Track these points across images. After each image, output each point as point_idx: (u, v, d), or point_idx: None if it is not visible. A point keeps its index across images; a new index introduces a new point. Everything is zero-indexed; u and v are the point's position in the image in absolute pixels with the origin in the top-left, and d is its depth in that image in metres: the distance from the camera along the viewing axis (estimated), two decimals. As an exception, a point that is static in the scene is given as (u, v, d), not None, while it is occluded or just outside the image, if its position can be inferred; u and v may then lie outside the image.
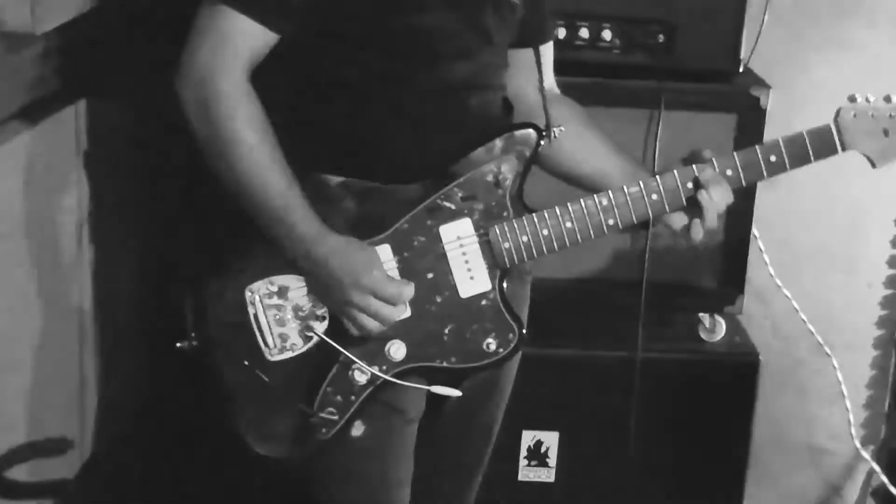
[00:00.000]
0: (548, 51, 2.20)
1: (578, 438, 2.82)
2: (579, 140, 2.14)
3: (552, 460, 2.82)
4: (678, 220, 2.04)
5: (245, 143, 1.89)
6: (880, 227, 3.26)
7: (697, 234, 2.04)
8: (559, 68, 2.44)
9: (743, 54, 2.80)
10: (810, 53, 3.13)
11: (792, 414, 3.31)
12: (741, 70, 2.81)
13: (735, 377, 2.87)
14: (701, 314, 2.90)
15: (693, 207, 2.01)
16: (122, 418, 2.74)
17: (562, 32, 2.69)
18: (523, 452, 2.79)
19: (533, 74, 2.15)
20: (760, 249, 2.97)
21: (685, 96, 2.74)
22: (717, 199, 2.00)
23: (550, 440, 2.80)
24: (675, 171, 2.01)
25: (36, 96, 2.29)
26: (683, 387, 2.84)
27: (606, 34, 2.73)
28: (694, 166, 2.00)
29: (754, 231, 2.85)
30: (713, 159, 2.02)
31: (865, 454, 3.27)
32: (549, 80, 2.21)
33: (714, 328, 2.90)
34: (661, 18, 2.74)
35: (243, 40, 1.92)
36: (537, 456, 2.81)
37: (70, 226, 2.45)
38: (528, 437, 2.78)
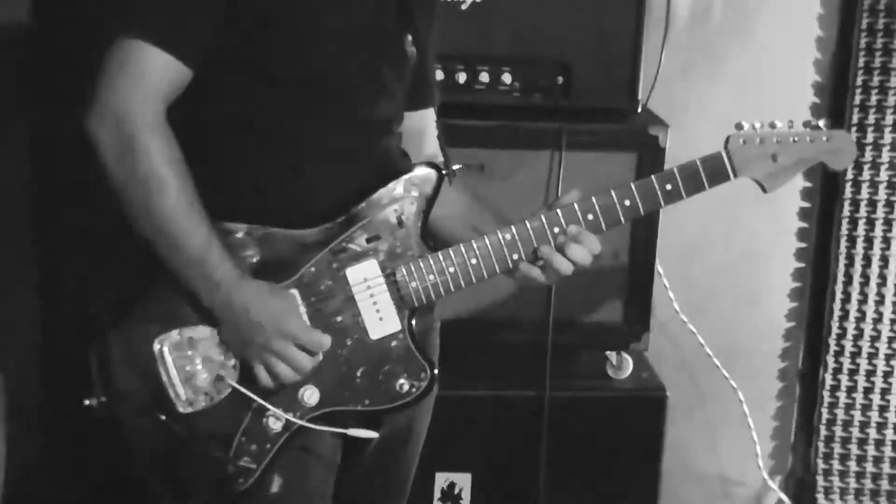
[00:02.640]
0: (431, 118, 2.19)
1: (491, 479, 2.79)
2: (458, 202, 2.13)
3: (465, 501, 2.79)
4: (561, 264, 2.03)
5: (167, 186, 1.84)
6: (781, 260, 3.27)
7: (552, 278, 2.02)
8: (462, 112, 2.44)
9: (641, 94, 2.80)
10: (707, 90, 3.13)
11: (701, 446, 3.32)
12: (639, 110, 2.82)
13: (643, 413, 2.86)
14: (608, 352, 2.88)
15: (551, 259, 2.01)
16: (26, 478, 2.66)
17: (462, 77, 2.69)
18: (437, 494, 2.76)
19: (420, 137, 2.15)
20: (665, 286, 2.99)
21: (585, 136, 2.73)
22: (578, 257, 1.99)
23: (463, 481, 2.76)
24: (576, 204, 1.99)
25: None
26: (592, 424, 2.81)
27: (506, 77, 2.72)
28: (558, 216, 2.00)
29: (658, 268, 2.83)
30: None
31: (773, 484, 3.30)
32: (432, 147, 2.20)
33: (621, 365, 2.87)
34: (558, 60, 2.73)
35: (161, 77, 1.86)
36: (451, 497, 2.78)
37: None
38: (441, 480, 2.74)
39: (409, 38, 2.08)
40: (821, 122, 2.05)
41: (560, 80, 2.74)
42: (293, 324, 1.90)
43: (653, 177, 2.03)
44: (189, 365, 1.90)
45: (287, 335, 1.88)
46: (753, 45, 3.13)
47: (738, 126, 2.03)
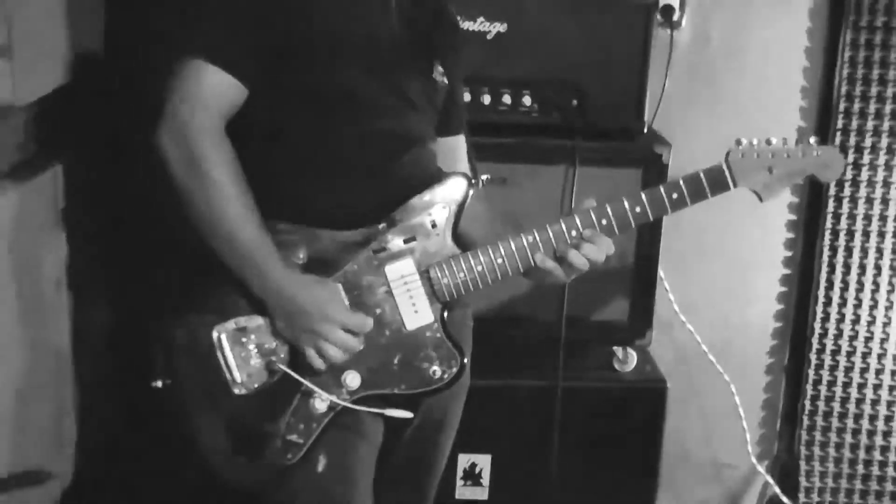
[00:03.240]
0: (461, 144, 2.23)
1: (508, 460, 2.83)
2: (483, 216, 2.15)
3: (485, 480, 2.83)
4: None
5: (225, 195, 1.89)
6: (770, 267, 3.31)
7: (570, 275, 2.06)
8: (487, 130, 2.51)
9: (647, 115, 2.85)
10: (706, 112, 3.17)
11: (696, 434, 3.35)
12: (645, 130, 2.87)
13: (645, 403, 2.90)
14: (615, 347, 2.93)
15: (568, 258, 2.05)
16: (98, 450, 2.72)
17: (487, 98, 2.73)
18: (459, 473, 2.80)
19: (452, 159, 2.19)
20: (666, 289, 3.04)
21: (596, 153, 2.77)
22: (593, 255, 2.02)
23: (483, 462, 2.82)
24: (591, 211, 2.04)
25: (17, 160, 2.27)
26: (600, 412, 2.86)
27: (526, 99, 2.76)
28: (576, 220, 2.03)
29: (660, 273, 2.88)
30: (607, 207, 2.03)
31: (760, 468, 3.33)
32: (464, 168, 2.23)
33: (626, 359, 2.93)
34: (573, 84, 2.77)
35: (222, 94, 1.92)
36: (472, 476, 2.82)
37: (50, 275, 2.43)
38: (463, 460, 2.79)
39: (439, 67, 2.15)
40: (812, 139, 2.09)
41: (574, 102, 2.79)
42: (337, 309, 1.94)
43: (661, 186, 2.07)
44: (244, 351, 1.95)
45: (332, 320, 1.93)
46: (747, 73, 3.17)
47: (738, 141, 2.06)
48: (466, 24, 2.69)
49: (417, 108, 2.10)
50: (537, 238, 2.04)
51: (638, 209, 2.04)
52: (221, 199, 1.89)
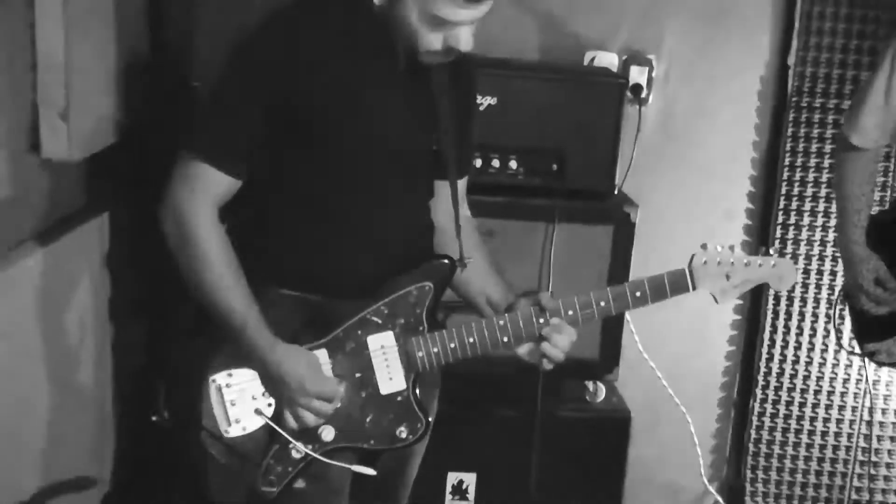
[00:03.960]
0: (463, 183, 2.22)
1: (492, 478, 2.90)
2: (474, 267, 2.15)
3: (471, 496, 2.90)
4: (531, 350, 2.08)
5: (214, 271, 1.93)
6: (722, 313, 3.39)
7: (546, 365, 2.07)
8: (478, 189, 2.47)
9: (618, 179, 2.95)
10: (669, 177, 3.27)
11: (656, 458, 3.39)
12: (616, 192, 2.97)
13: (612, 430, 2.99)
14: (586, 381, 3.01)
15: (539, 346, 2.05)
16: (133, 462, 2.78)
17: (478, 162, 2.80)
18: (448, 489, 2.88)
19: (450, 204, 2.16)
20: (632, 331, 3.10)
21: (573, 212, 2.84)
22: (560, 344, 2.03)
23: (470, 479, 2.90)
24: (560, 301, 2.03)
25: (66, 214, 2.34)
26: (573, 438, 2.93)
27: (513, 163, 2.84)
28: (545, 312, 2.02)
29: (627, 316, 2.98)
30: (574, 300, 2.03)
31: (711, 489, 3.43)
32: (464, 208, 2.22)
33: (597, 392, 3.02)
34: (554, 151, 2.85)
35: (214, 187, 1.95)
36: (459, 492, 2.89)
37: (76, 318, 2.51)
38: (452, 478, 2.88)
39: (435, 137, 2.11)
40: (771, 250, 2.08)
41: (555, 166, 2.85)
42: (314, 381, 1.98)
43: (626, 284, 2.06)
44: (235, 399, 2.00)
45: (308, 392, 1.97)
46: (706, 145, 3.30)
47: (703, 246, 2.05)
48: (462, 98, 2.71)
49: (415, 179, 2.11)
50: (507, 323, 2.04)
51: (602, 303, 2.03)
52: (213, 277, 1.93)
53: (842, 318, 3.16)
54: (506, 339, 2.05)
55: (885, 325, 2.77)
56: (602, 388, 3.03)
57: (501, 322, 2.04)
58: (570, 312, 2.04)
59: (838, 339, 3.30)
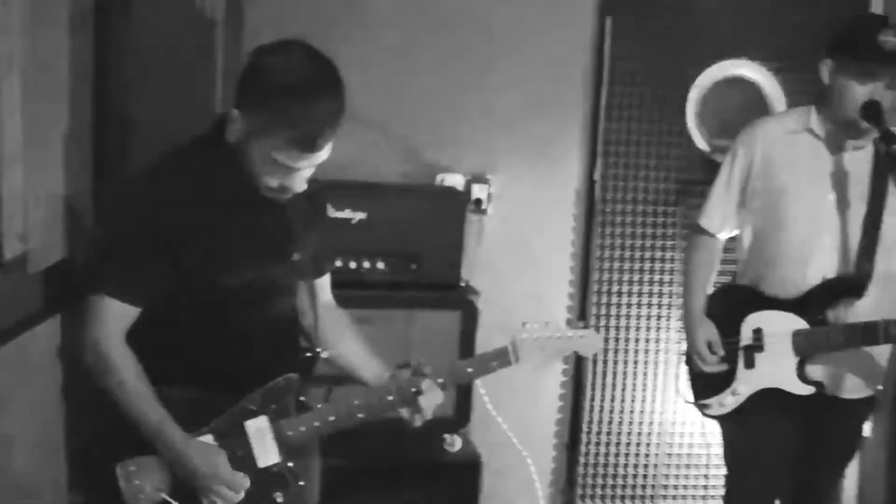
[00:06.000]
0: (326, 279, 2.33)
1: None
2: (344, 345, 2.29)
3: None
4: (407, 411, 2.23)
5: (128, 390, 2.06)
6: (554, 374, 3.69)
7: (418, 421, 2.21)
8: (351, 285, 2.79)
9: (464, 273, 3.29)
10: (506, 271, 3.57)
11: (504, 496, 3.61)
12: (463, 284, 3.30)
13: (466, 474, 3.26)
14: (445, 434, 3.28)
15: (415, 405, 2.20)
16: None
17: (353, 264, 3.10)
18: None
19: (313, 298, 2.28)
20: (482, 392, 3.15)
21: (428, 301, 3.16)
22: (430, 402, 2.20)
23: None
24: (407, 378, 2.19)
25: (23, 316, 2.30)
26: (435, 480, 3.20)
27: (380, 264, 3.16)
28: (418, 379, 2.18)
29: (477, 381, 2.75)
30: (426, 372, 2.19)
31: None
32: (327, 296, 2.33)
33: (453, 443, 3.28)
34: (413, 254, 3.17)
35: (121, 317, 2.07)
36: None
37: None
38: None
39: (293, 249, 2.20)
40: (581, 323, 2.30)
41: (413, 266, 3.17)
42: (224, 472, 2.09)
43: (463, 361, 2.27)
44: (146, 485, 2.10)
45: (221, 480, 2.09)
46: (534, 244, 3.60)
47: (524, 324, 2.20)
48: (338, 213, 3.06)
49: (282, 285, 2.21)
50: (364, 404, 2.18)
51: (446, 376, 2.24)
52: (128, 393, 2.06)
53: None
54: (361, 416, 2.17)
55: (715, 383, 2.91)
56: (458, 439, 3.30)
57: (357, 402, 2.18)
58: (440, 380, 2.22)
59: (677, 391, 3.54)
